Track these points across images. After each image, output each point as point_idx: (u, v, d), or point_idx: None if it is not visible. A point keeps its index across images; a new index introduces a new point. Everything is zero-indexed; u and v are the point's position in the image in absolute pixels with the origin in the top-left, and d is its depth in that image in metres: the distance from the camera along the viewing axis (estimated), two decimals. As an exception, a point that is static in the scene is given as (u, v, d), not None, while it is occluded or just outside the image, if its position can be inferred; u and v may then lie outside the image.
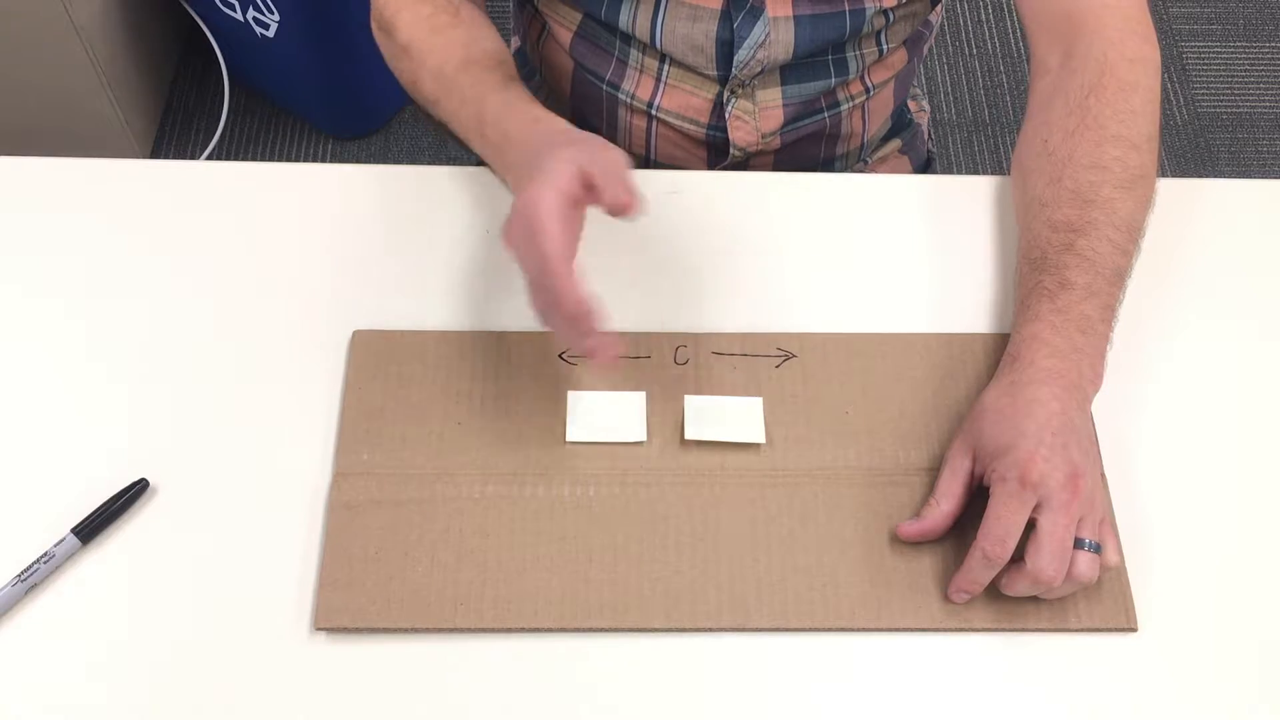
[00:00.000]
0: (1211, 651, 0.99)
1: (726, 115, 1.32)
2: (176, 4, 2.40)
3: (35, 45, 2.14)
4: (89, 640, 0.96)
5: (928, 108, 1.62)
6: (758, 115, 1.33)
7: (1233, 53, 2.80)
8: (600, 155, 0.97)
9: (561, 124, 1.09)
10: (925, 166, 1.59)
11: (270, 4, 2.21)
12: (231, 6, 2.29)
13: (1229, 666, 0.98)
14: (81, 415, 1.06)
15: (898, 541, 1.01)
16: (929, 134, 1.62)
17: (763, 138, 1.35)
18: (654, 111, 1.34)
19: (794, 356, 1.10)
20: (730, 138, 1.34)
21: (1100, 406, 1.05)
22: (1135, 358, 1.11)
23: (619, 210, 0.94)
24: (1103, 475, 1.03)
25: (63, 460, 1.04)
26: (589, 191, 0.95)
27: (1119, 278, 1.05)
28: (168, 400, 1.07)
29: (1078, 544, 0.94)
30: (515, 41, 1.54)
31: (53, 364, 1.08)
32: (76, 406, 1.06)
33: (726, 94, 1.30)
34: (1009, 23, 2.80)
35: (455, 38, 1.18)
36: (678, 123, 1.34)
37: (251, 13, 2.27)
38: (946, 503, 0.99)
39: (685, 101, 1.33)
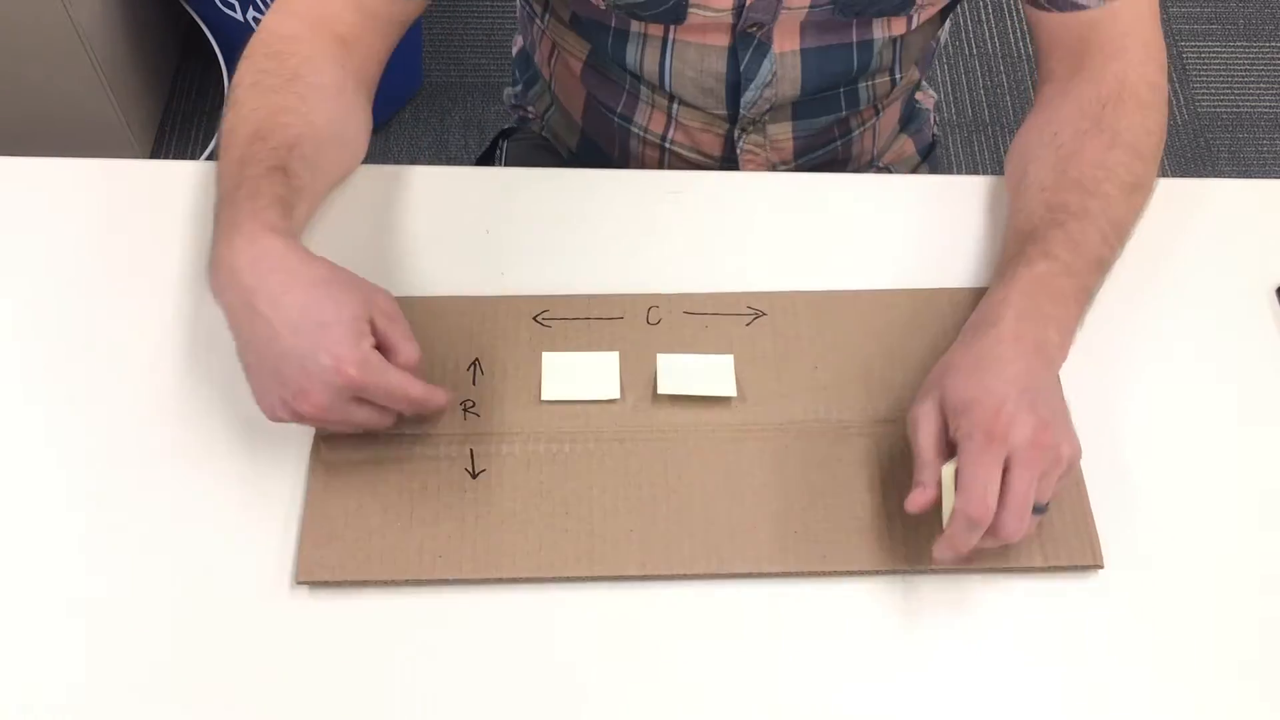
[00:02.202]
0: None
1: (738, 151, 1.33)
2: (176, 4, 2.41)
3: (35, 45, 2.15)
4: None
5: (934, 94, 1.61)
6: (769, 148, 1.33)
7: (1233, 53, 2.80)
8: (379, 301, 0.99)
9: (292, 244, 0.98)
10: (930, 149, 1.59)
11: (270, 4, 2.22)
12: (231, 6, 2.30)
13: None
14: (79, 403, 1.07)
15: (867, 489, 1.02)
16: (935, 120, 1.62)
17: (774, 168, 1.36)
18: (667, 144, 1.35)
19: (764, 315, 1.11)
20: (742, 170, 1.34)
21: (1093, 385, 1.08)
22: (1130, 351, 1.13)
23: (410, 365, 0.98)
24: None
25: (61, 449, 1.05)
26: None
27: (1100, 267, 1.06)
28: (160, 381, 1.08)
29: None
30: (519, 42, 1.53)
31: (53, 362, 1.10)
32: (74, 395, 1.08)
33: (737, 131, 1.31)
34: (1009, 23, 2.81)
35: (266, 102, 1.07)
36: (690, 155, 1.35)
37: (251, 13, 2.28)
38: (938, 459, 0.97)
39: (697, 138, 1.33)
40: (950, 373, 0.99)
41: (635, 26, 1.23)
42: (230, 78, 2.40)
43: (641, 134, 1.35)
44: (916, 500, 0.95)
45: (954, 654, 0.97)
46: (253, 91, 1.08)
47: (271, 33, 1.13)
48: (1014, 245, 1.07)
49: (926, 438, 0.97)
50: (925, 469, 0.96)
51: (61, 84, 2.24)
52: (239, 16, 2.31)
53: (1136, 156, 1.10)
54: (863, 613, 0.99)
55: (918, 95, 1.54)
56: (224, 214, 0.99)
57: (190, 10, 2.40)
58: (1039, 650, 0.98)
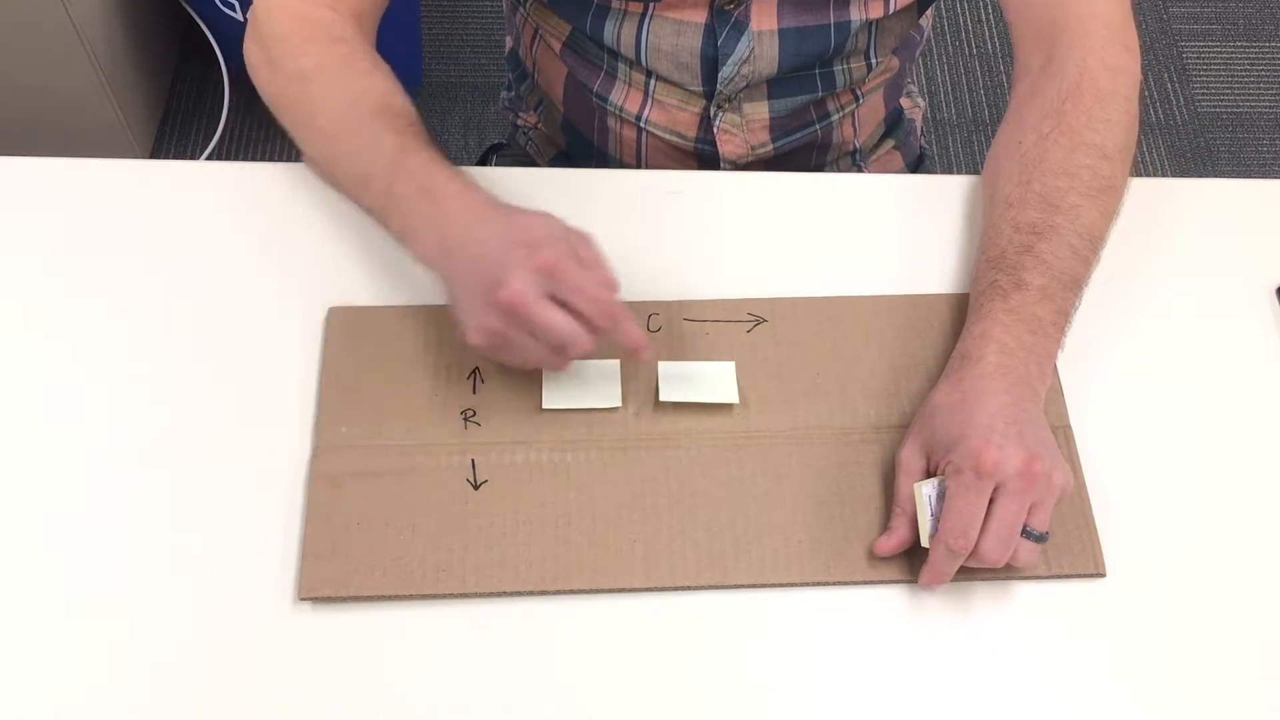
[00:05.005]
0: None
1: (715, 129, 1.33)
2: (176, 4, 2.41)
3: (35, 45, 2.15)
4: (72, 611, 0.98)
5: (922, 103, 1.61)
6: (746, 128, 1.33)
7: (1233, 53, 2.80)
8: (579, 236, 0.99)
9: (493, 196, 1.03)
10: (917, 163, 1.59)
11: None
12: (231, 6, 2.30)
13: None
14: (77, 407, 1.07)
15: (871, 496, 1.03)
16: (922, 130, 1.62)
17: (753, 149, 1.36)
18: (643, 124, 1.35)
19: (765, 321, 1.12)
20: (720, 151, 1.35)
21: (1093, 388, 1.09)
22: (1130, 352, 1.13)
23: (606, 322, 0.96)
24: (1070, 436, 1.07)
25: (58, 460, 1.05)
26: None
27: (1075, 284, 1.05)
28: (160, 388, 1.08)
29: (1024, 533, 0.95)
30: (509, 42, 1.54)
31: (52, 361, 1.10)
32: (72, 400, 1.07)
33: (713, 109, 1.31)
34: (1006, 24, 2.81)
35: (373, 84, 1.11)
36: (667, 136, 1.35)
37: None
38: (910, 507, 0.99)
39: (673, 116, 1.33)
40: (936, 412, 1.00)
41: (615, 3, 1.24)
42: (229, 78, 2.41)
43: (618, 113, 1.35)
44: (886, 546, 0.98)
45: (958, 662, 0.97)
46: (349, 72, 1.12)
47: (310, 20, 1.14)
48: (986, 273, 1.06)
49: (903, 479, 1.00)
50: (898, 515, 0.99)
51: (61, 84, 2.24)
52: (239, 16, 2.31)
53: (1101, 157, 1.08)
54: (867, 621, 0.99)
55: (904, 103, 1.54)
56: (401, 180, 1.04)
57: (190, 10, 2.40)
58: (1042, 659, 0.98)
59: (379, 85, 1.11)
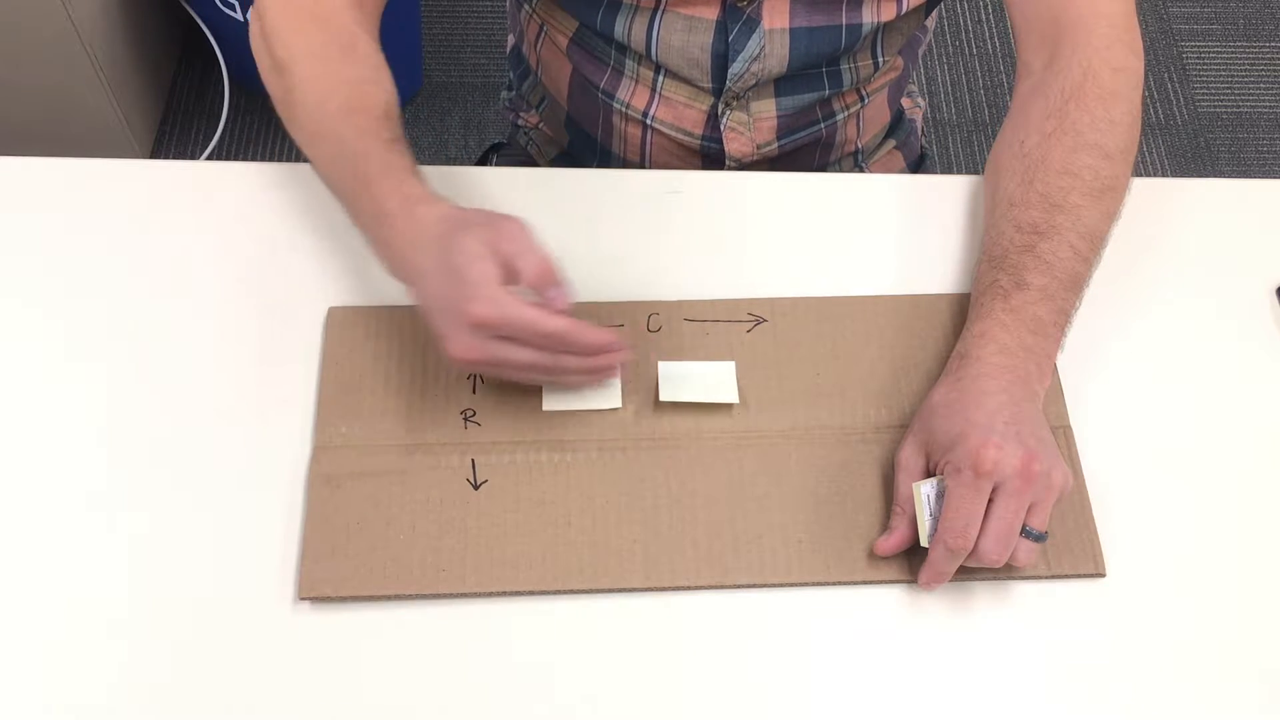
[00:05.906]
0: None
1: (721, 127, 1.33)
2: (176, 4, 2.41)
3: (35, 45, 2.15)
4: (72, 611, 0.98)
5: (922, 103, 1.61)
6: (752, 126, 1.33)
7: (1233, 53, 2.80)
8: (504, 230, 0.95)
9: (442, 205, 0.99)
10: (918, 163, 1.59)
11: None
12: (231, 6, 2.30)
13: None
14: (77, 408, 1.07)
15: (871, 496, 1.03)
16: (922, 130, 1.62)
17: (758, 148, 1.35)
18: (649, 121, 1.35)
19: (765, 321, 1.11)
20: (725, 149, 1.34)
21: (1093, 388, 1.09)
22: (1130, 352, 1.13)
23: (544, 283, 0.94)
24: (1070, 436, 1.07)
25: (56, 459, 1.05)
26: (510, 271, 0.94)
27: (1076, 285, 1.05)
28: (160, 388, 1.08)
29: (1023, 532, 0.95)
30: (510, 40, 1.54)
31: (51, 361, 1.10)
32: (72, 400, 1.07)
33: (721, 106, 1.31)
34: (1010, 22, 2.80)
35: (344, 75, 1.08)
36: (673, 133, 1.35)
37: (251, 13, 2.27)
38: (910, 507, 0.99)
39: (680, 113, 1.33)
40: (935, 411, 1.00)
41: None
42: (229, 78, 2.41)
43: (624, 110, 1.35)
44: (885, 545, 0.99)
45: (958, 662, 0.98)
46: (319, 63, 1.08)
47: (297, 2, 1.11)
48: (987, 272, 1.07)
49: (903, 479, 1.00)
50: (897, 515, 1.00)
51: (61, 84, 2.24)
52: (239, 16, 2.31)
53: (1103, 157, 1.08)
54: (866, 621, 0.99)
55: (905, 103, 1.54)
56: (363, 198, 1.02)
57: (190, 10, 2.40)
58: (1042, 659, 0.98)
59: (348, 75, 1.08)
